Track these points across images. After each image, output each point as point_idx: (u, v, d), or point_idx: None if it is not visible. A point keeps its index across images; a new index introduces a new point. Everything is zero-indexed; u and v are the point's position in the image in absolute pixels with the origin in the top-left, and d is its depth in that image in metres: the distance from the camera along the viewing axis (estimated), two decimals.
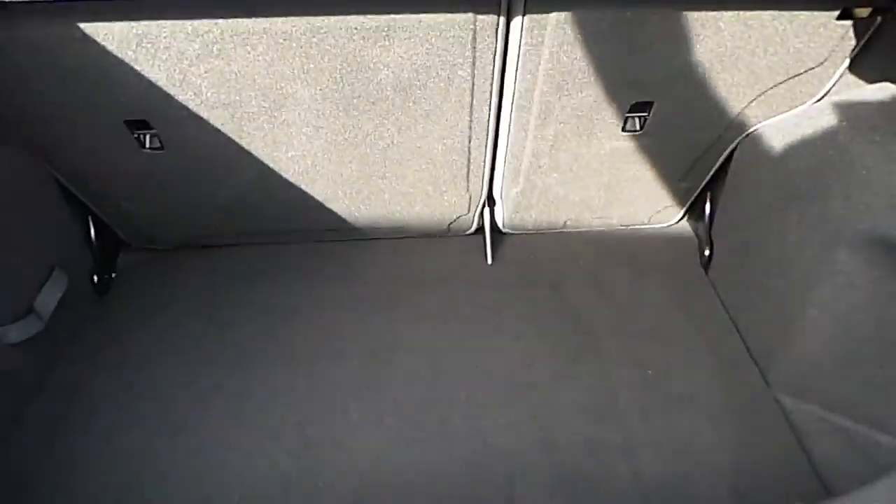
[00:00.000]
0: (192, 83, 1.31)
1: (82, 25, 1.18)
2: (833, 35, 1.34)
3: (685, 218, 1.98)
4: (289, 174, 1.59)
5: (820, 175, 1.36)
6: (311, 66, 1.31)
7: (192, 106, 1.36)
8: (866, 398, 1.27)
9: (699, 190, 1.83)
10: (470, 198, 1.76)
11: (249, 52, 1.26)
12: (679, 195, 1.85)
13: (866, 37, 1.36)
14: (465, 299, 1.75)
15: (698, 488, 1.33)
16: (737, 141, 1.64)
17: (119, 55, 1.23)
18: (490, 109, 1.47)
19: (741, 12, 1.28)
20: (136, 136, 1.44)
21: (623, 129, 1.56)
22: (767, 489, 1.31)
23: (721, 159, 1.70)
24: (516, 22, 1.27)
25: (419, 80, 1.36)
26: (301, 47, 1.26)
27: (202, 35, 1.22)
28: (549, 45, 1.30)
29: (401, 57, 1.30)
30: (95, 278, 1.71)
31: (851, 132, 1.32)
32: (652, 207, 1.90)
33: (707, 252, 1.82)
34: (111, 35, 1.20)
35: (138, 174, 1.55)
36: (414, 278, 1.82)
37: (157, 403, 1.48)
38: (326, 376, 1.55)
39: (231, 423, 1.45)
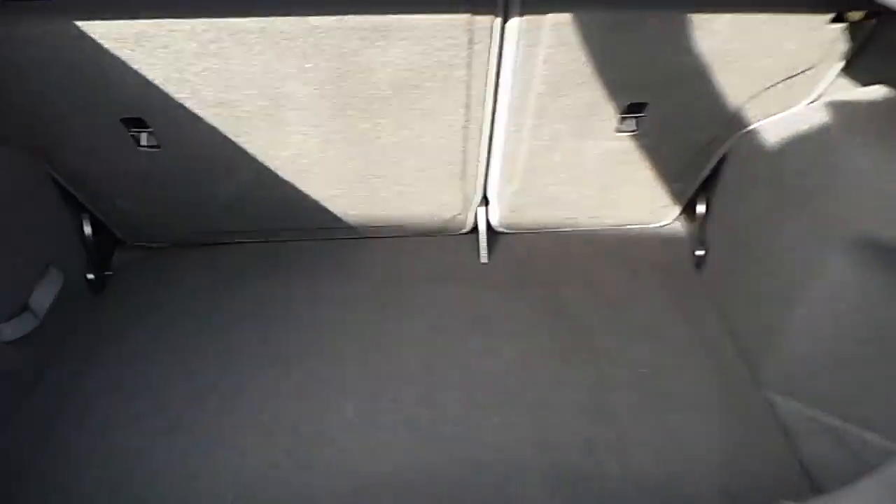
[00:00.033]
0: (190, 82, 1.31)
1: (80, 23, 1.18)
2: (826, 38, 1.36)
3: (679, 218, 2.00)
4: (285, 173, 1.59)
5: (811, 176, 1.37)
6: (309, 65, 1.31)
7: (189, 104, 1.36)
8: (855, 397, 1.29)
9: (694, 190, 1.84)
10: (465, 197, 1.76)
11: (247, 52, 1.26)
12: (673, 195, 1.86)
13: (860, 40, 1.37)
14: (460, 298, 1.76)
15: (690, 486, 1.34)
16: (731, 142, 1.65)
17: (116, 53, 1.23)
18: (486, 109, 1.48)
19: (735, 15, 1.29)
20: (132, 134, 1.44)
21: (618, 130, 1.57)
22: (757, 486, 1.32)
23: (715, 160, 1.71)
24: (512, 23, 1.28)
25: (416, 81, 1.37)
26: (299, 47, 1.27)
27: (200, 34, 1.22)
28: (544, 46, 1.31)
29: (398, 57, 1.31)
30: (91, 276, 1.71)
31: (843, 134, 1.33)
32: (646, 207, 1.91)
33: (701, 252, 1.83)
34: (108, 33, 1.20)
35: (134, 172, 1.55)
36: (409, 277, 1.82)
37: (151, 401, 1.48)
38: (321, 375, 1.55)
39: (226, 421, 1.45)
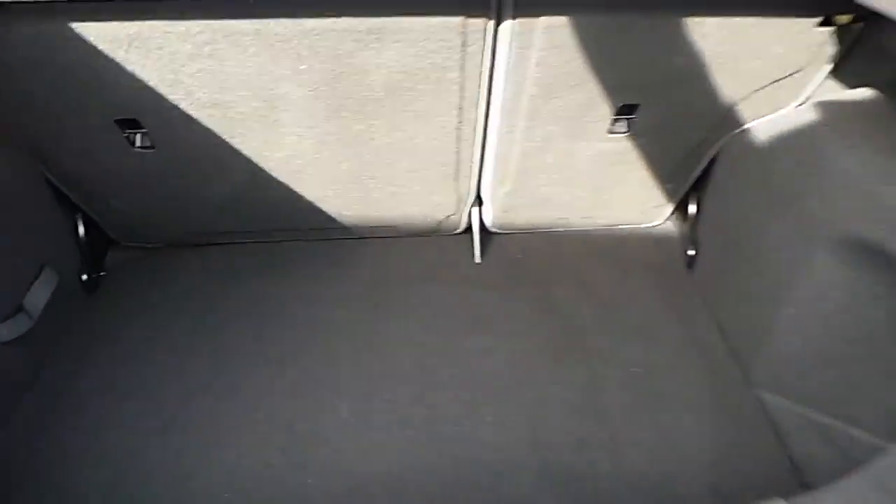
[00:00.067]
0: (184, 83, 1.32)
1: (74, 25, 1.18)
2: (814, 41, 1.37)
3: (671, 218, 2.01)
4: (279, 174, 1.60)
5: (798, 177, 1.39)
6: (303, 67, 1.32)
7: (183, 106, 1.37)
8: (843, 395, 1.31)
9: (685, 191, 1.86)
10: (459, 198, 1.77)
11: (241, 53, 1.27)
12: (665, 196, 1.88)
13: (848, 43, 1.39)
14: (453, 298, 1.77)
15: (682, 484, 1.36)
16: (721, 143, 1.67)
17: (111, 55, 1.24)
18: (479, 111, 1.49)
19: (725, 19, 1.30)
20: (126, 135, 1.44)
21: (610, 131, 1.58)
22: (748, 483, 1.34)
23: (706, 161, 1.73)
24: (505, 26, 1.29)
25: (409, 82, 1.38)
26: (293, 49, 1.27)
27: (194, 36, 1.22)
28: (537, 48, 1.32)
29: (391, 59, 1.32)
30: (84, 276, 1.71)
31: (830, 136, 1.35)
32: (638, 208, 1.93)
33: (692, 252, 1.85)
34: (103, 35, 1.20)
35: (129, 173, 1.56)
36: (403, 277, 1.83)
37: (146, 401, 1.49)
38: (316, 374, 1.56)
39: (220, 420, 1.46)
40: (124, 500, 1.32)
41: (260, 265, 1.85)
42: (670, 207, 1.95)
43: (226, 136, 1.46)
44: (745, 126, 1.60)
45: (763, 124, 1.56)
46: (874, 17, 1.31)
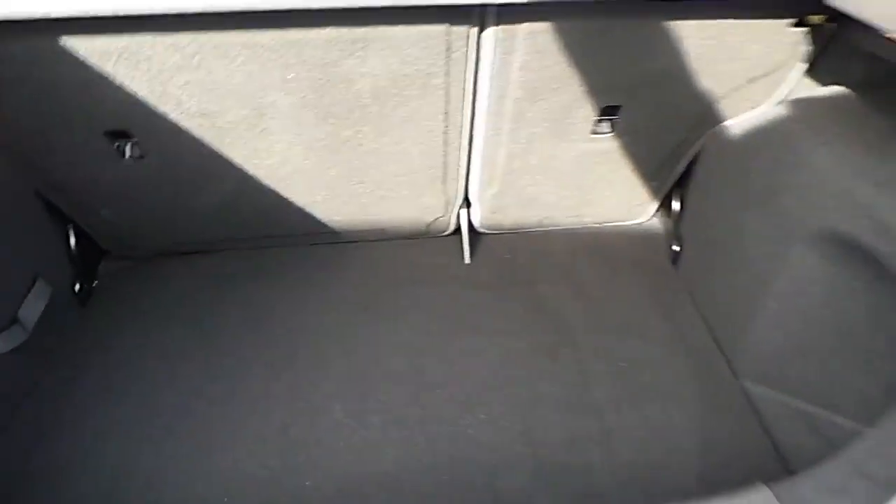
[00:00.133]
0: (173, 94, 1.33)
1: (63, 40, 1.19)
2: (789, 41, 1.41)
3: (656, 215, 2.05)
4: (269, 181, 1.61)
5: (776, 174, 1.43)
6: (290, 75, 1.34)
7: (172, 116, 1.38)
8: (823, 383, 1.34)
9: (668, 188, 1.90)
10: (447, 200, 1.80)
11: (229, 64, 1.29)
12: (649, 193, 1.91)
13: (822, 43, 1.42)
14: (444, 299, 1.79)
15: (670, 474, 1.39)
16: (701, 141, 1.71)
17: (100, 68, 1.25)
18: (465, 115, 1.52)
19: (702, 21, 1.34)
20: (116, 145, 1.45)
21: (594, 132, 1.62)
22: (734, 471, 1.38)
23: (687, 159, 1.77)
24: (488, 32, 1.32)
25: (395, 89, 1.40)
26: (280, 58, 1.29)
27: (182, 48, 1.24)
28: (520, 53, 1.35)
29: (377, 67, 1.34)
30: (77, 287, 1.72)
31: (805, 134, 1.39)
32: (623, 206, 1.96)
33: (676, 248, 1.89)
34: (92, 49, 1.22)
35: (119, 183, 1.57)
36: (394, 279, 1.85)
37: (141, 408, 1.50)
38: (310, 378, 1.57)
39: (216, 425, 1.47)
40: None
41: (251, 271, 1.86)
42: (655, 205, 1.98)
43: (215, 145, 1.48)
44: (724, 124, 1.63)
45: (741, 122, 1.59)
46: (846, 17, 1.35)
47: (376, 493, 1.36)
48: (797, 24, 1.37)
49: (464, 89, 1.44)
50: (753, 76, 1.48)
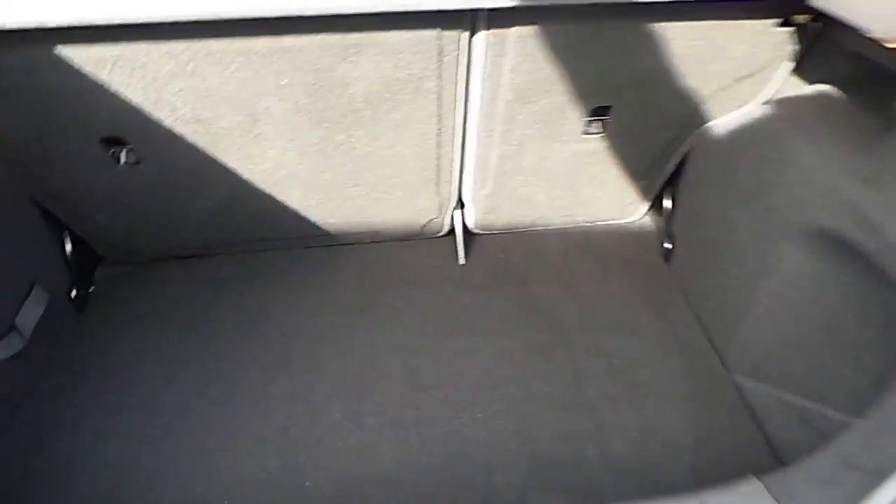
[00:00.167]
0: (168, 101, 1.34)
1: (58, 48, 1.20)
2: (775, 41, 1.43)
3: (648, 213, 2.07)
4: (263, 185, 1.63)
5: (763, 172, 1.45)
6: (284, 81, 1.35)
7: (167, 122, 1.39)
8: (813, 377, 1.36)
9: (659, 187, 1.92)
10: (441, 201, 1.81)
11: (223, 71, 1.30)
12: (640, 192, 1.93)
13: (807, 42, 1.44)
14: (439, 299, 1.81)
15: (664, 468, 1.41)
16: (691, 140, 1.73)
17: (95, 76, 1.26)
18: (457, 118, 1.54)
19: (689, 23, 1.36)
20: (112, 152, 1.46)
21: (585, 133, 1.63)
22: (727, 465, 1.40)
23: (677, 158, 1.79)
24: (479, 36, 1.34)
25: (388, 93, 1.41)
26: (274, 64, 1.30)
27: (176, 56, 1.25)
28: (511, 57, 1.37)
29: (370, 71, 1.35)
30: (74, 293, 1.73)
31: (792, 132, 1.41)
32: (615, 205, 1.98)
33: (668, 245, 1.91)
34: (87, 57, 1.23)
35: (115, 190, 1.57)
36: (389, 281, 1.86)
37: (140, 412, 1.51)
38: (307, 379, 1.59)
39: (215, 428, 1.48)
40: None
41: (247, 275, 1.87)
42: (646, 203, 2.00)
43: (210, 151, 1.49)
44: (712, 123, 1.66)
45: (729, 121, 1.61)
46: (830, 17, 1.37)
47: (375, 492, 1.37)
48: (783, 24, 1.39)
49: (456, 92, 1.46)
50: (740, 76, 1.50)
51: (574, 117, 1.57)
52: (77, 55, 1.22)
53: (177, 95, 1.33)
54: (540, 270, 1.91)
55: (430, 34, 1.29)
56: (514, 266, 1.93)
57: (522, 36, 1.33)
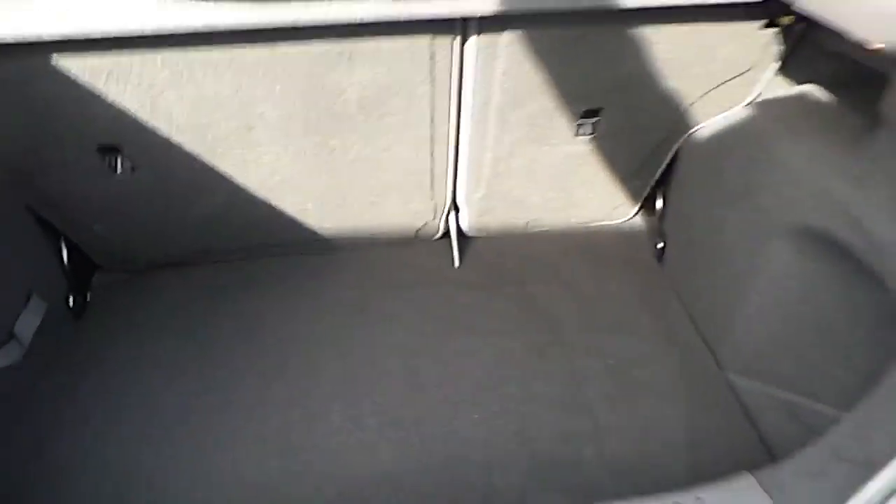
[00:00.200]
0: (163, 109, 1.35)
1: (54, 59, 1.21)
2: (760, 42, 1.45)
3: (640, 213, 2.08)
4: (259, 192, 1.64)
5: (751, 172, 1.47)
6: (278, 88, 1.36)
7: (163, 130, 1.40)
8: (804, 373, 1.38)
9: (650, 187, 1.94)
10: (435, 205, 1.83)
11: (218, 79, 1.31)
12: (632, 192, 1.95)
13: (792, 42, 1.47)
14: (435, 302, 1.82)
15: (660, 466, 1.42)
16: (680, 141, 1.75)
17: (91, 86, 1.27)
18: (450, 122, 1.55)
19: (676, 26, 1.38)
20: (108, 161, 1.47)
21: (576, 135, 1.65)
22: (721, 462, 1.41)
23: (668, 158, 1.81)
24: (471, 42, 1.36)
25: (381, 98, 1.43)
26: (268, 72, 1.32)
27: (172, 65, 1.27)
28: (502, 61, 1.39)
29: (364, 78, 1.37)
30: (71, 301, 1.73)
31: (779, 132, 1.43)
32: (607, 205, 2.00)
33: (660, 245, 1.93)
34: (83, 67, 1.24)
35: (111, 198, 1.58)
36: (385, 285, 1.87)
37: (140, 418, 1.51)
38: (305, 383, 1.59)
39: (214, 432, 1.48)
40: None
41: (243, 281, 1.87)
42: (638, 203, 2.02)
43: (205, 158, 1.50)
44: (701, 124, 1.68)
45: (717, 122, 1.64)
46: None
47: (376, 493, 1.38)
48: (768, 25, 1.41)
49: (448, 97, 1.48)
50: (727, 77, 1.52)
51: (565, 120, 1.59)
52: (73, 65, 1.23)
53: (172, 104, 1.34)
54: (536, 271, 1.92)
55: (422, 41, 1.31)
56: (510, 267, 1.94)
57: (513, 41, 1.35)
